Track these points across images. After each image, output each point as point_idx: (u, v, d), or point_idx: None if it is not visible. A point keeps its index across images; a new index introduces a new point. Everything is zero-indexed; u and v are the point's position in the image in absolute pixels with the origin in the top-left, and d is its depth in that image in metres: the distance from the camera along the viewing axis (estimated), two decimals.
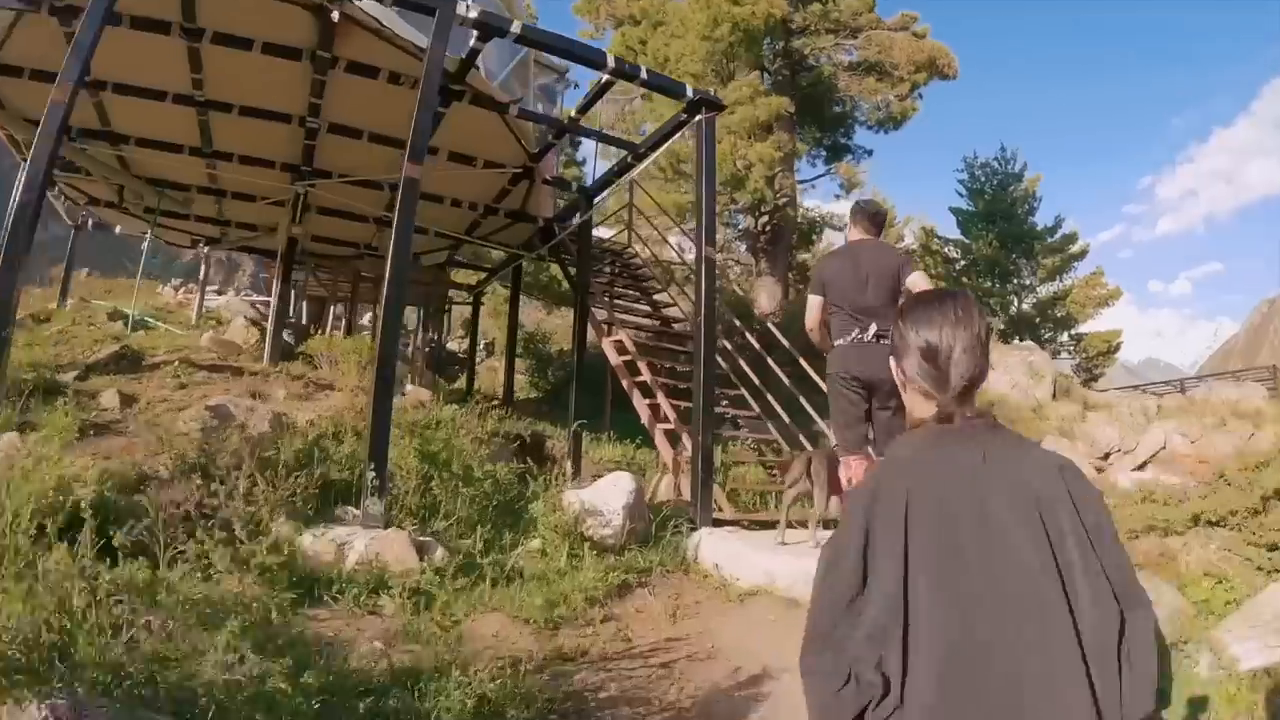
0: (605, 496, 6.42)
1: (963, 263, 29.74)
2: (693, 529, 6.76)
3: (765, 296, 20.04)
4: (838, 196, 21.83)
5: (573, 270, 11.13)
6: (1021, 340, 24.01)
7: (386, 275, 5.81)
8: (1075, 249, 29.74)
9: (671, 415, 8.88)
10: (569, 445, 9.77)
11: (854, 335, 5.58)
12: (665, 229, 15.57)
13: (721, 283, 23.62)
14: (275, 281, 11.07)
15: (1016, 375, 14.05)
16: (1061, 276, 29.39)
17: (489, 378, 20.88)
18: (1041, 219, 30.02)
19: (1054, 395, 14.12)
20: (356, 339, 11.62)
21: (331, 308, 16.26)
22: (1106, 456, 11.14)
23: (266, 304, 18.68)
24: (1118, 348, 29.62)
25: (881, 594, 1.56)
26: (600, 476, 8.78)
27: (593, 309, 10.67)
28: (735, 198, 18.99)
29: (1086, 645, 1.49)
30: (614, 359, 10.01)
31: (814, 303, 5.81)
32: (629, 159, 9.26)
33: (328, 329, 15.32)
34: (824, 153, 22.25)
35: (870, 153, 21.72)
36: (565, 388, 13.71)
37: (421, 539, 5.57)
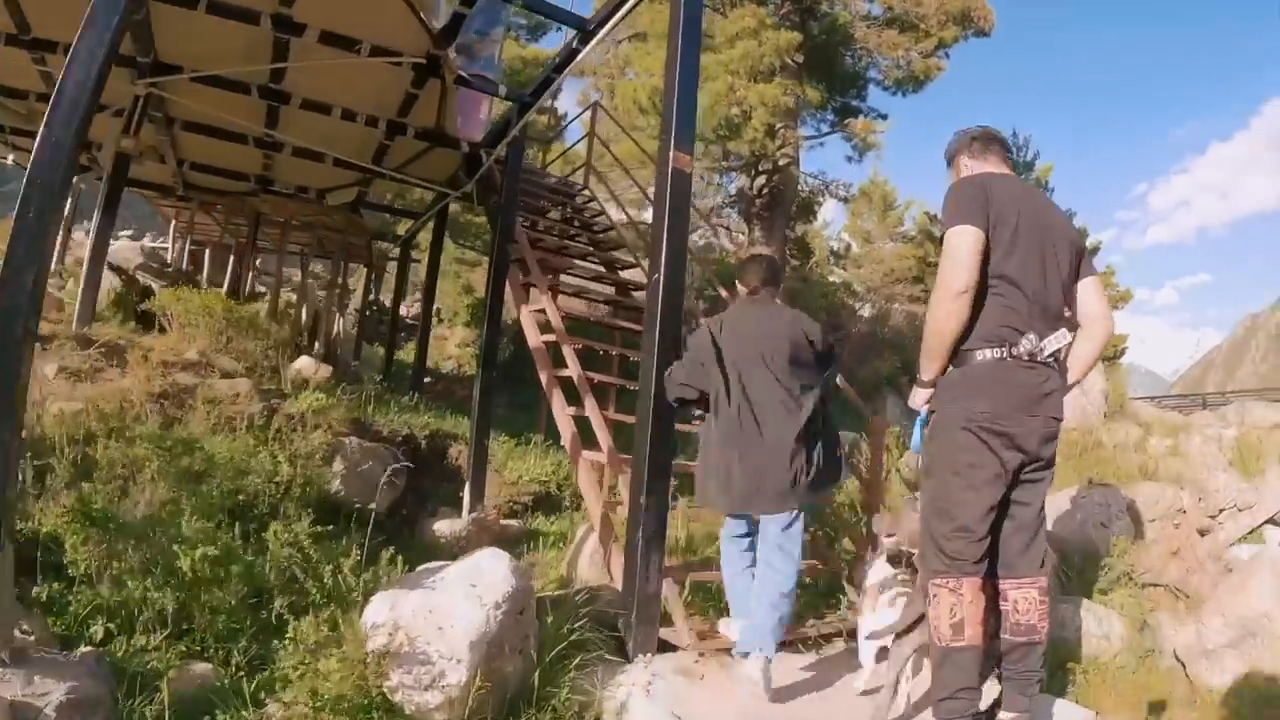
0: (445, 612, 3.13)
1: None
2: (621, 667, 3.86)
3: None
4: (849, 159, 18.88)
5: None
6: None
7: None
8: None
9: (605, 439, 5.58)
10: (471, 458, 7.09)
11: (1020, 347, 3.15)
12: (645, 183, 12.72)
13: (705, 238, 21.91)
14: (96, 213, 8.19)
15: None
16: None
17: (437, 349, 18.28)
18: None
19: (1105, 412, 11.48)
20: (211, 294, 8.90)
21: (249, 259, 13.40)
22: (1218, 513, 8.52)
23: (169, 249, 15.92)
24: (1123, 352, 27.77)
25: (710, 371, 4.03)
26: (504, 512, 6.27)
27: (514, 265, 7.89)
28: (730, 149, 16.10)
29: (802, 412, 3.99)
30: (532, 339, 7.08)
31: (971, 242, 3.10)
32: (575, 43, 6.33)
33: (245, 285, 12.55)
34: (832, 115, 19.31)
35: (885, 116, 18.80)
36: (521, 365, 11.04)
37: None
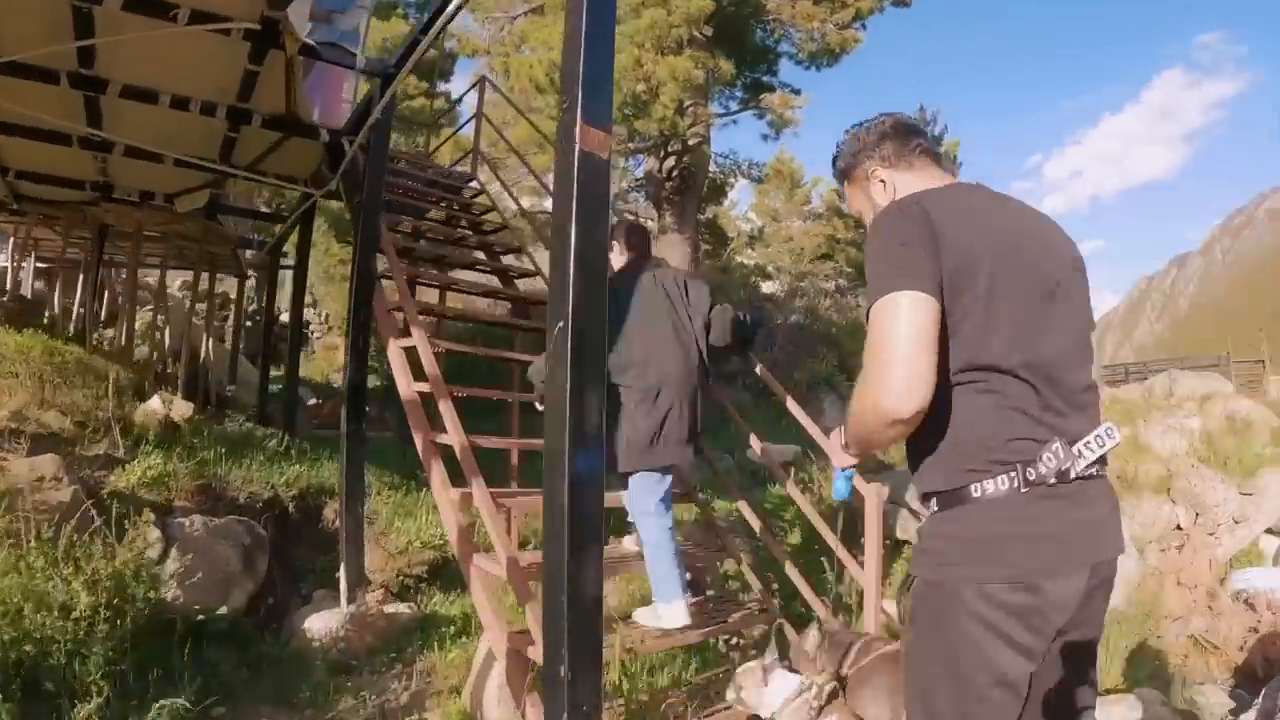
0: None
1: None
2: None
3: (672, 259, 15.62)
4: (765, 137, 17.83)
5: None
6: None
7: None
8: None
9: (504, 544, 4.03)
10: (343, 532, 5.69)
11: (1044, 465, 1.90)
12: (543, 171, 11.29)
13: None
14: None
15: None
16: None
17: (327, 361, 16.63)
18: None
19: None
20: (30, 336, 7.41)
21: (101, 276, 11.69)
22: (1216, 529, 7.65)
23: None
24: None
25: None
26: (392, 590, 5.17)
27: (382, 279, 6.43)
28: (636, 129, 14.75)
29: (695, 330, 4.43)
30: (402, 386, 5.32)
31: (920, 323, 1.83)
32: None
33: (97, 307, 10.95)
34: (742, 92, 18.16)
35: (798, 91, 17.69)
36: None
37: None
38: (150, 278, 12.44)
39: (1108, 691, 5.37)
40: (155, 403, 7.39)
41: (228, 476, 6.37)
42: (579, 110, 2.65)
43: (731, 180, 20.83)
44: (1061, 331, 1.96)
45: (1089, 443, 1.91)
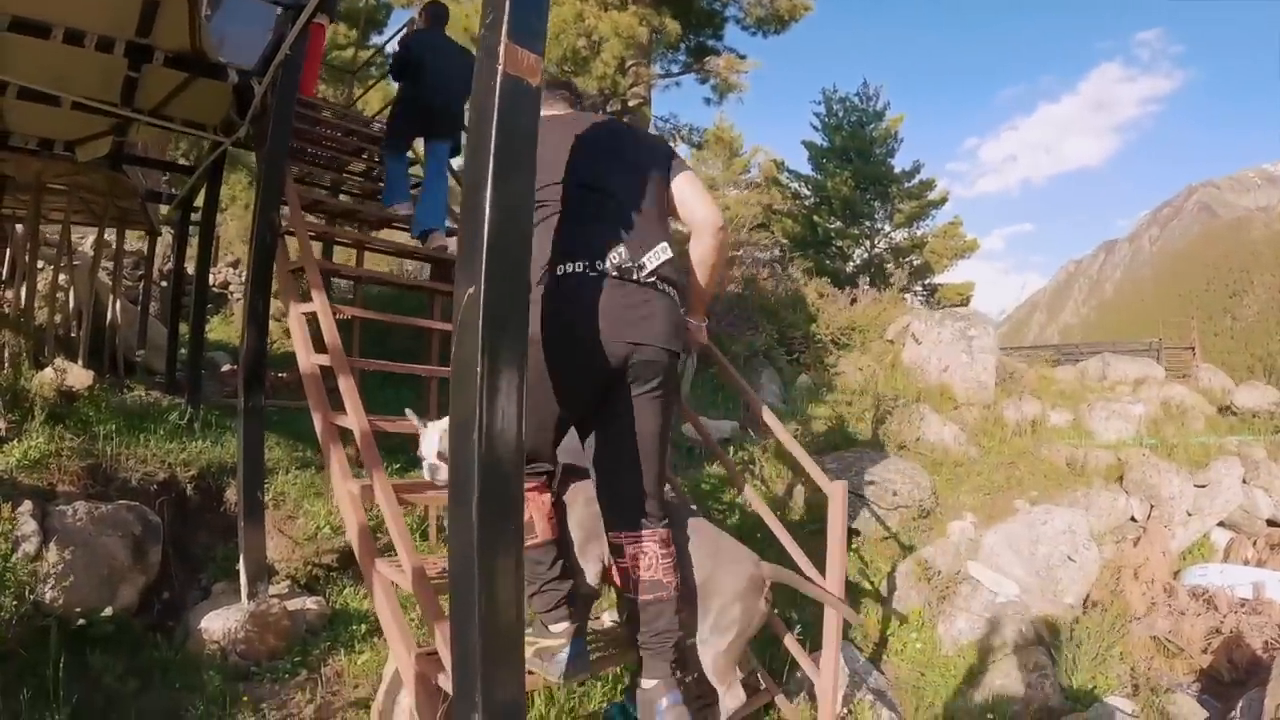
0: None
1: (813, 200, 28.02)
2: None
3: None
4: (708, 101, 17.42)
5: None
6: (875, 284, 21.56)
7: None
8: (934, 196, 28.32)
9: (407, 554, 3.43)
10: (241, 519, 5.11)
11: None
12: None
13: None
14: None
15: (955, 355, 10.17)
16: (918, 223, 28.28)
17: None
18: (901, 162, 28.58)
19: (997, 379, 10.42)
20: None
21: (12, 232, 10.76)
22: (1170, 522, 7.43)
23: None
24: (968, 300, 27.66)
25: None
26: (300, 581, 4.90)
27: (285, 239, 5.55)
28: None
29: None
30: (302, 358, 4.56)
31: None
32: None
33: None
34: (685, 55, 17.64)
35: (744, 56, 17.21)
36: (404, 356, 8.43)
37: None
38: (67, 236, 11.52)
39: (1075, 699, 5.12)
40: (48, 374, 6.75)
41: (120, 455, 5.75)
42: (505, 24, 2.11)
43: (671, 144, 20.19)
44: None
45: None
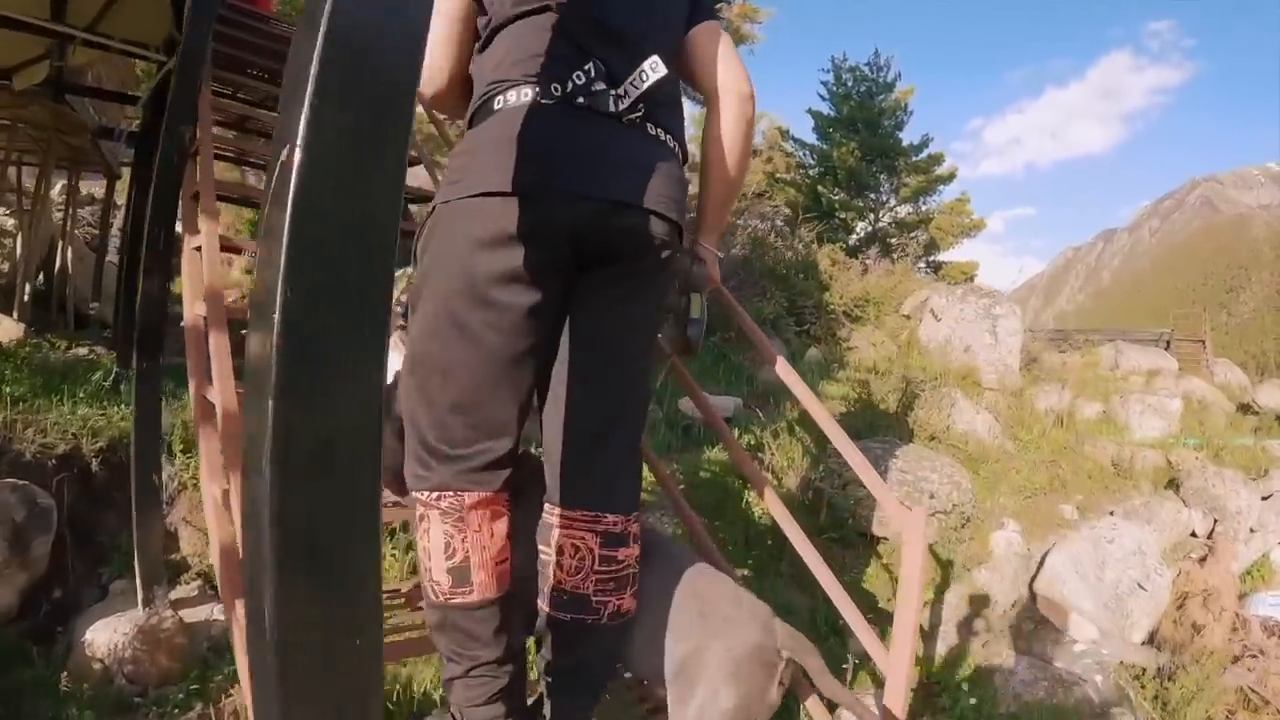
0: None
1: (818, 169, 27.46)
2: None
3: None
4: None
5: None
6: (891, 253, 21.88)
7: None
8: (942, 171, 27.57)
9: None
10: (135, 510, 4.14)
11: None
12: None
13: None
14: None
15: (979, 335, 9.17)
16: (924, 198, 27.65)
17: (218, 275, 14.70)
18: (909, 136, 27.84)
19: (1022, 363, 9.50)
20: None
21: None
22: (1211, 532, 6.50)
23: None
24: (972, 279, 26.83)
25: None
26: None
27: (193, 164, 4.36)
28: None
29: None
30: (188, 309, 3.61)
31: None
32: None
33: None
34: None
35: (757, 9, 16.17)
36: None
37: None
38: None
39: None
40: None
41: (17, 424, 4.76)
42: None
43: None
44: None
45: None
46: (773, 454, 6.38)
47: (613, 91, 1.96)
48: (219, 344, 2.95)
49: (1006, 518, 5.99)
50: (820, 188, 26.33)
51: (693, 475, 6.05)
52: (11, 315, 6.97)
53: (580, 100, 1.93)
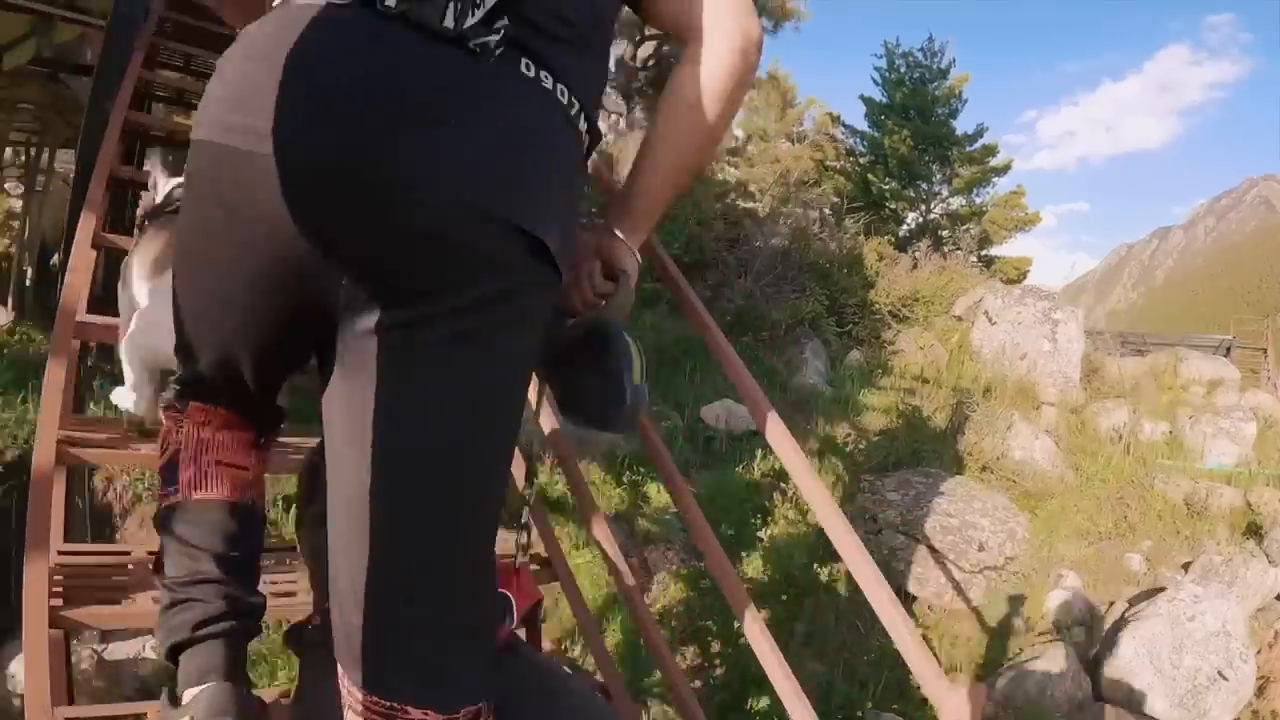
0: None
1: (868, 158, 26.29)
2: None
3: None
4: (763, 30, 15.65)
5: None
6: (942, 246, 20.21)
7: None
8: (997, 162, 26.47)
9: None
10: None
11: None
12: None
13: None
14: None
15: (1036, 341, 8.46)
16: (978, 190, 26.46)
17: None
18: (963, 125, 26.64)
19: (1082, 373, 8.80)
20: None
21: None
22: None
23: None
24: (1025, 276, 25.38)
25: None
26: None
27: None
28: None
29: None
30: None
31: None
32: None
33: None
34: None
35: None
36: None
37: None
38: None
39: None
40: None
41: None
42: None
43: None
44: None
45: None
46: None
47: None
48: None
49: (1066, 569, 5.25)
50: (870, 176, 25.35)
51: (717, 498, 5.38)
52: (5, 304, 6.74)
53: (388, 2, 1.07)
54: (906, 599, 4.83)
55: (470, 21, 1.08)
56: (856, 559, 1.75)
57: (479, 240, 1.08)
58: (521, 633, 1.55)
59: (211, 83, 1.13)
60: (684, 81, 1.32)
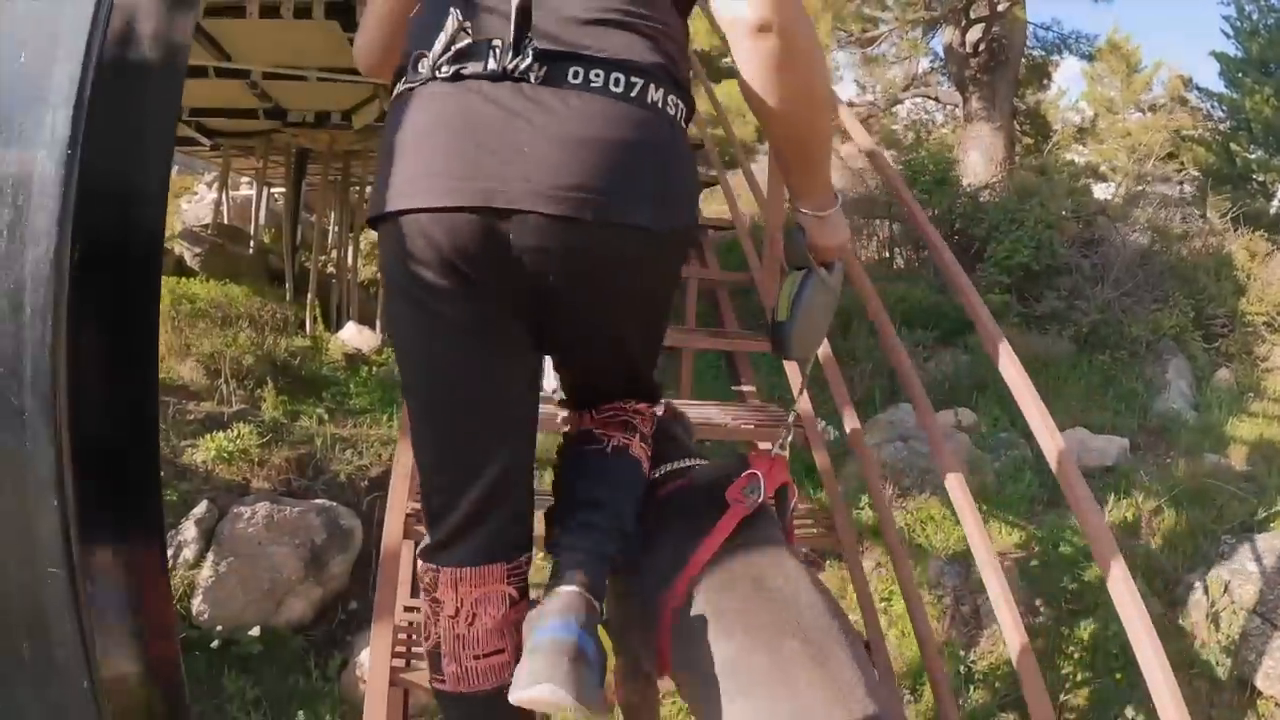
0: None
1: (1228, 124, 22.60)
2: None
3: (978, 154, 12.72)
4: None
5: None
6: None
7: None
8: None
9: None
10: None
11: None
12: None
13: (913, 114, 18.21)
14: None
15: None
16: None
17: None
18: None
19: None
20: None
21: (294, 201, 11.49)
22: None
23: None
24: None
25: None
26: None
27: None
28: None
29: None
30: None
31: None
32: None
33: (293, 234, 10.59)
34: None
35: None
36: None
37: None
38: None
39: None
40: (349, 330, 7.08)
41: (330, 444, 4.94)
42: None
43: (1055, 58, 18.10)
44: None
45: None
46: (1152, 534, 5.13)
47: (493, 42, 1.27)
48: None
49: None
50: (1233, 145, 22.74)
51: (1048, 553, 5.01)
52: (374, 328, 7.57)
53: (443, 71, 1.28)
54: (1252, 694, 4.17)
55: (512, 61, 1.27)
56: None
57: (569, 233, 1.28)
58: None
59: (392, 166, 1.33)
60: (741, 73, 1.38)
